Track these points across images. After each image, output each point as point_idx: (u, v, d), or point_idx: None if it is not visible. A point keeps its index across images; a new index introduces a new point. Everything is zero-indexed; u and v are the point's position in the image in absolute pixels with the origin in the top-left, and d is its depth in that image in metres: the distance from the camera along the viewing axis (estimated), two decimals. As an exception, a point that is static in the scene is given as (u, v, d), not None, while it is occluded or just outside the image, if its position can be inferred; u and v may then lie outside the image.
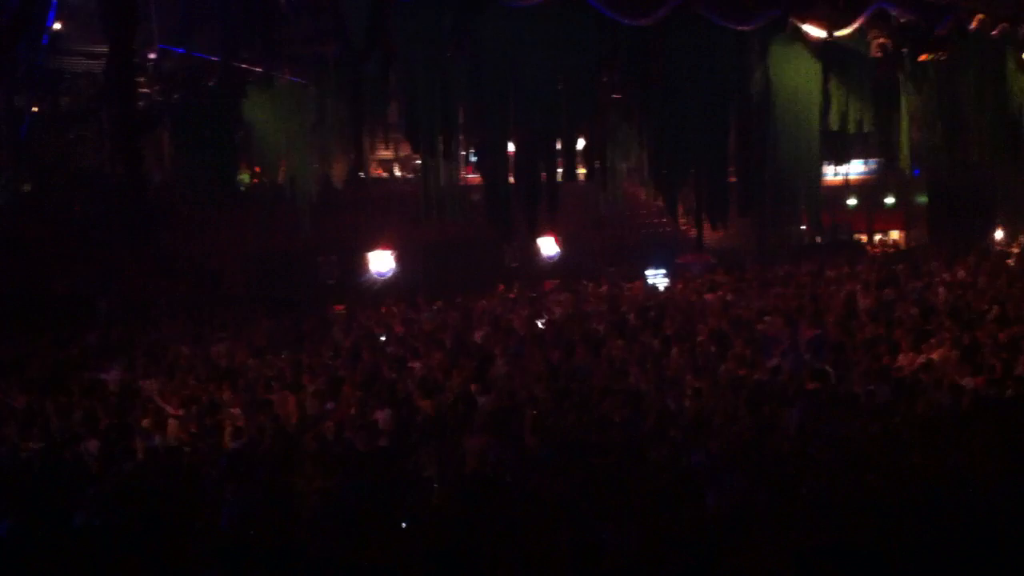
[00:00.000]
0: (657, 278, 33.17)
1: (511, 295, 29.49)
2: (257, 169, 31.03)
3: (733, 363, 16.48)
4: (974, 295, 22.15)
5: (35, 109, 27.06)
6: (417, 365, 18.68)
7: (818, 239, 34.70)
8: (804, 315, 20.20)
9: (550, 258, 33.98)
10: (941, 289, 23.72)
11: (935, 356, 16.25)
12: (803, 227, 34.10)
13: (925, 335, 17.56)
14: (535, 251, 33.73)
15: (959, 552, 8.42)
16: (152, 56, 24.42)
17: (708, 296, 25.36)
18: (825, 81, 29.43)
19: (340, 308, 28.79)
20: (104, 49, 21.78)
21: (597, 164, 32.86)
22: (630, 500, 9.86)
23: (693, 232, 32.43)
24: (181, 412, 15.89)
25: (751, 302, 23.61)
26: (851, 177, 37.51)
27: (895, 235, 45.47)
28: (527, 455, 12.20)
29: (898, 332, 18.05)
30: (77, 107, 26.75)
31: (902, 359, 16.40)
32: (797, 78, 29.21)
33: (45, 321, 23.26)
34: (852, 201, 43.02)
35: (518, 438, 12.96)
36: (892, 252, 38.18)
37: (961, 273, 26.09)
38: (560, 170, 32.52)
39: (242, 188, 31.42)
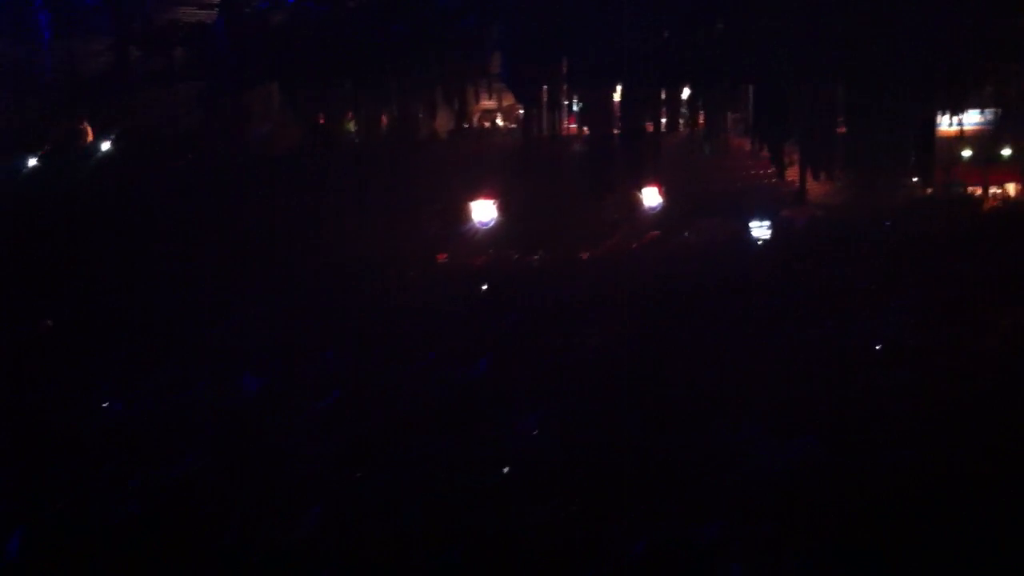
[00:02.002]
0: (761, 230, 32.76)
1: (614, 245, 29.50)
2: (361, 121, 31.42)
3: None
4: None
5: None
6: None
7: (928, 191, 33.78)
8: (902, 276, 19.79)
9: (652, 209, 33.77)
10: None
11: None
12: (914, 180, 33.29)
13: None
14: (638, 202, 33.53)
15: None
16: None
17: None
18: (937, 27, 28.58)
19: (442, 257, 29.15)
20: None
21: (702, 114, 32.64)
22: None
23: (797, 184, 31.96)
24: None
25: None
26: (966, 128, 36.32)
27: (1011, 188, 43.95)
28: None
29: (994, 295, 17.57)
30: (189, 61, 27.43)
31: (998, 325, 15.98)
32: (909, 23, 28.40)
33: (144, 281, 23.96)
34: (967, 153, 41.70)
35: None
36: (1006, 207, 36.98)
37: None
38: (664, 120, 32.39)
39: (353, 138, 31.95)
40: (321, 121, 30.09)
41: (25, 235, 25.88)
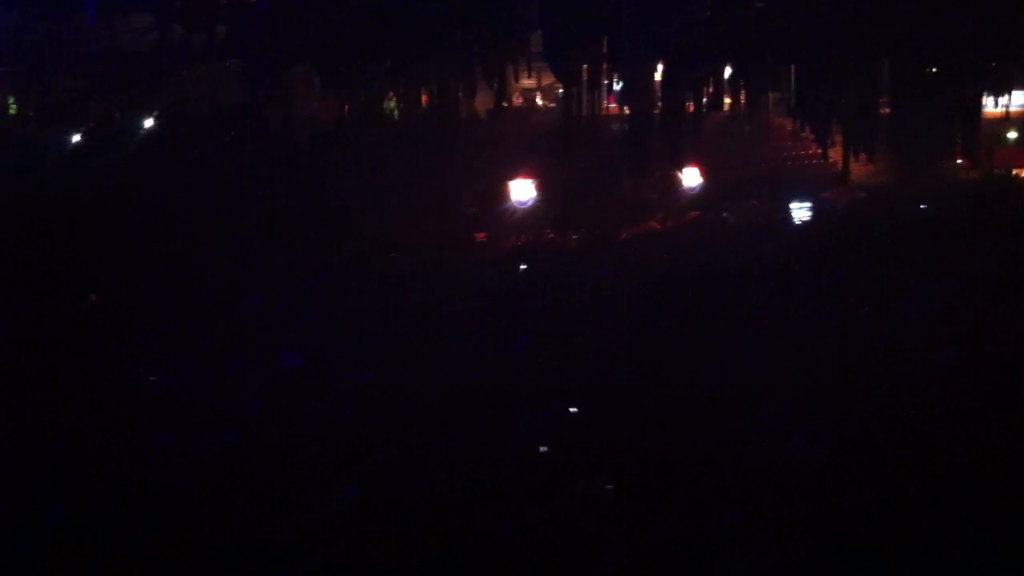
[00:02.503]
0: (801, 211, 32.51)
1: (652, 226, 29.39)
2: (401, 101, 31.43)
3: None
4: None
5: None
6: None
7: (972, 174, 33.31)
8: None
9: (692, 189, 33.60)
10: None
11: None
12: (958, 161, 32.83)
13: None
14: (677, 182, 33.37)
15: None
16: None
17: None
18: (983, 5, 28.12)
19: (481, 236, 29.18)
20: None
21: (743, 94, 32.37)
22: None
23: (841, 166, 31.62)
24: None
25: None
26: (1012, 109, 35.76)
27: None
28: None
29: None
30: (230, 39, 27.62)
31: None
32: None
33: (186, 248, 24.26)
34: (1012, 135, 41.05)
35: None
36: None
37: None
38: (705, 100, 32.16)
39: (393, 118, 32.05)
40: (362, 100, 30.17)
41: (70, 212, 26.28)
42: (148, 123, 31.00)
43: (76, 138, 31.33)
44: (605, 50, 30.67)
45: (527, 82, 36.15)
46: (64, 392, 15.57)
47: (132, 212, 26.55)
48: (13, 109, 34.01)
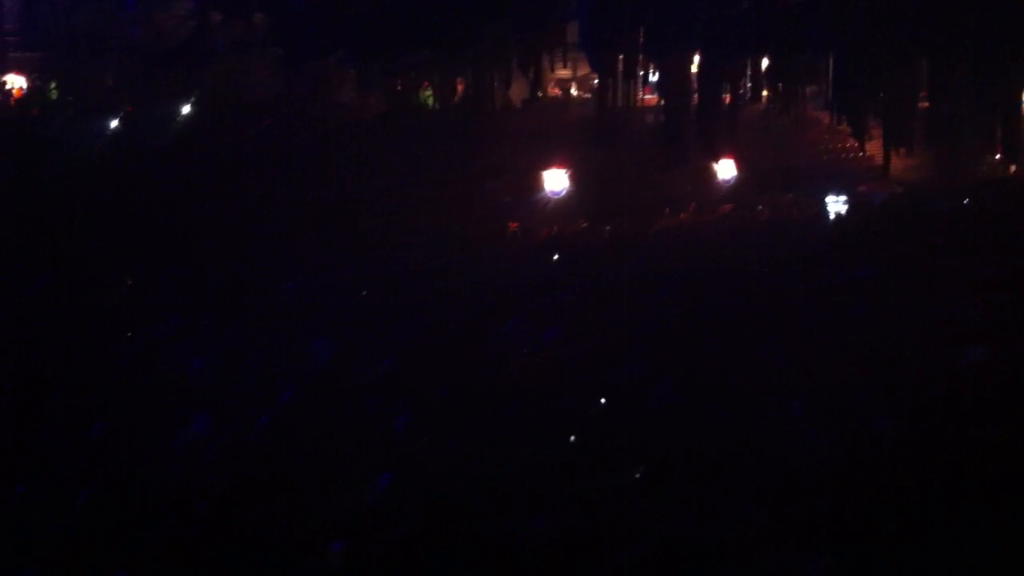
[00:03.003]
0: (837, 205, 32.30)
1: (686, 218, 29.33)
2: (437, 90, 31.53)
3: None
4: None
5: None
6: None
7: (1012, 169, 32.97)
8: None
9: (726, 182, 33.46)
10: None
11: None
12: (997, 157, 32.50)
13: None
14: (712, 174, 33.26)
15: None
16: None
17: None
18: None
19: (514, 226, 29.18)
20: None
21: (780, 86, 32.19)
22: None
23: (877, 160, 31.36)
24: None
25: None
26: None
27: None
28: None
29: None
30: (268, 27, 27.80)
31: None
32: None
33: (224, 243, 24.45)
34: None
35: None
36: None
37: None
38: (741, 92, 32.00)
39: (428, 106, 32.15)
40: (398, 90, 30.30)
41: (105, 197, 26.59)
42: (185, 110, 31.27)
43: (114, 123, 31.66)
44: (642, 41, 30.63)
45: (563, 72, 36.12)
46: (97, 378, 15.76)
47: (167, 198, 26.81)
48: (54, 94, 34.48)
